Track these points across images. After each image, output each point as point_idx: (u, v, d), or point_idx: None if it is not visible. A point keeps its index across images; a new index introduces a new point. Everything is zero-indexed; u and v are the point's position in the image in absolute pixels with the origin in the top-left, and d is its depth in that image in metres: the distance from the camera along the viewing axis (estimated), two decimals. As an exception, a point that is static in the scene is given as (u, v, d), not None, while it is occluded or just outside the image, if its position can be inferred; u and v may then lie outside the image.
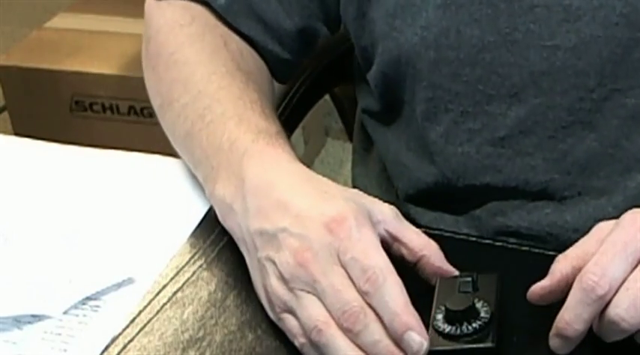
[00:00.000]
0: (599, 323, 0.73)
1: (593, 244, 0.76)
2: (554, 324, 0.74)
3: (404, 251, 0.79)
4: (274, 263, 0.78)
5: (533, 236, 0.93)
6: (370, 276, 0.73)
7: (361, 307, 0.73)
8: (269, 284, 0.78)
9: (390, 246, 0.79)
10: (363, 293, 0.74)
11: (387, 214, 0.80)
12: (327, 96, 1.37)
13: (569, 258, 0.76)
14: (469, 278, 0.76)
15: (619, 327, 0.72)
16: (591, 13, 0.88)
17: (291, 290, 0.76)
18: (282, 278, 0.77)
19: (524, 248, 0.86)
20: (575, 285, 0.73)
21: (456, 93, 0.93)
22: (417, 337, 0.72)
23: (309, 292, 0.76)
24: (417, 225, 0.83)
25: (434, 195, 0.99)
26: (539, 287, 0.76)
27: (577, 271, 0.75)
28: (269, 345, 0.79)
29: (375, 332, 0.73)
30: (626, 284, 0.72)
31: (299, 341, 0.76)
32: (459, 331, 0.74)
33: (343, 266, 0.75)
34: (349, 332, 0.74)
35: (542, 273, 0.77)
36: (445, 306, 0.74)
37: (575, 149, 0.91)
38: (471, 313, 0.74)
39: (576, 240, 0.78)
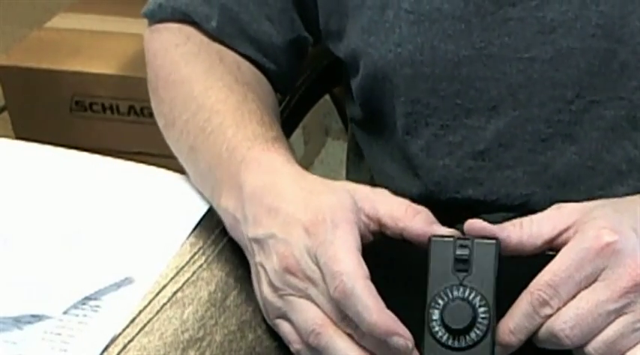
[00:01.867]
0: (539, 331, 0.73)
1: (548, 231, 0.75)
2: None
3: (387, 230, 0.78)
4: (265, 269, 0.78)
5: None
6: (338, 285, 0.72)
7: None
8: (262, 291, 0.78)
9: (378, 230, 0.78)
10: (336, 301, 0.73)
11: (364, 198, 0.79)
12: (327, 96, 1.37)
13: (522, 231, 0.75)
14: (465, 253, 0.74)
15: (559, 342, 0.72)
16: (567, 25, 0.88)
17: (281, 296, 0.76)
18: (272, 285, 0.77)
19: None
20: (523, 297, 0.73)
21: (434, 108, 0.93)
22: (401, 340, 0.71)
23: (300, 296, 0.76)
24: None
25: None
26: (479, 224, 0.75)
27: (519, 246, 0.75)
28: (269, 345, 0.79)
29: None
30: (576, 302, 0.72)
31: (294, 347, 0.76)
32: (457, 343, 0.73)
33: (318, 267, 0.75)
34: (351, 336, 0.74)
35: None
36: (442, 316, 0.73)
37: (555, 162, 0.91)
38: (470, 325, 0.73)
39: None
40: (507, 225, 0.76)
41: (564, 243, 0.74)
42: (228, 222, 0.85)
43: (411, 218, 0.77)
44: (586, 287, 0.72)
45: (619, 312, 0.71)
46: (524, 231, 0.76)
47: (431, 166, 0.95)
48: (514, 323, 0.73)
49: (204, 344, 0.79)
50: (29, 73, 2.16)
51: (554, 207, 0.77)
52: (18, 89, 2.19)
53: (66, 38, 2.20)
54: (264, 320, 0.80)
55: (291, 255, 0.76)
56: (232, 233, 0.85)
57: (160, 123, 0.99)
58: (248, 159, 0.84)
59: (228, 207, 0.84)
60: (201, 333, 0.80)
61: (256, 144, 0.85)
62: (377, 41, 0.93)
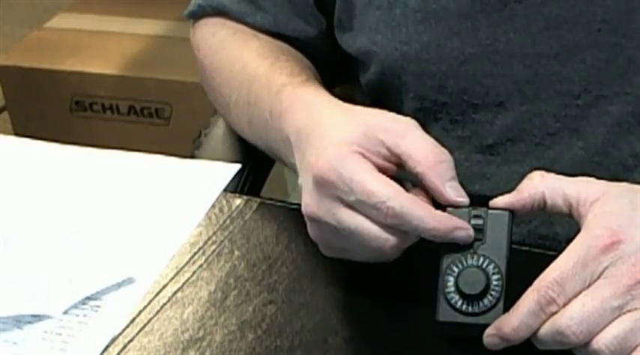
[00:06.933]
0: (541, 329, 0.73)
1: (572, 192, 0.76)
2: (495, 324, 0.74)
3: (405, 168, 0.79)
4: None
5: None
6: (387, 212, 0.75)
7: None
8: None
9: (398, 163, 0.79)
10: (391, 226, 0.75)
11: (386, 129, 0.79)
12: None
13: (544, 184, 0.77)
14: (479, 223, 0.76)
15: (566, 339, 0.71)
16: (573, 20, 0.88)
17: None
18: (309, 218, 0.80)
19: (524, 248, 0.86)
20: (529, 294, 0.72)
21: (443, 104, 0.94)
22: (463, 232, 0.75)
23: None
24: None
25: None
26: (501, 201, 0.77)
27: (542, 201, 0.76)
28: (269, 345, 0.79)
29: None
30: (582, 298, 0.71)
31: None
32: (470, 308, 0.75)
33: (350, 207, 0.76)
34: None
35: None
36: (457, 282, 0.75)
37: (562, 157, 0.92)
38: (484, 292, 0.75)
39: None
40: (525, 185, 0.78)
41: (579, 215, 0.75)
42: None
43: (431, 165, 0.78)
44: (589, 285, 0.72)
45: (622, 309, 0.71)
46: (544, 182, 0.77)
47: None
48: (518, 320, 0.72)
49: (204, 344, 0.79)
50: (29, 73, 2.16)
51: (584, 178, 0.77)
52: (18, 89, 2.19)
53: (66, 38, 2.20)
54: (264, 320, 0.80)
55: (311, 204, 0.78)
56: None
57: (220, 111, 1.04)
58: (285, 110, 0.86)
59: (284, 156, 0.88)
60: (201, 333, 0.80)
61: (285, 91, 0.88)
62: (384, 40, 0.94)
